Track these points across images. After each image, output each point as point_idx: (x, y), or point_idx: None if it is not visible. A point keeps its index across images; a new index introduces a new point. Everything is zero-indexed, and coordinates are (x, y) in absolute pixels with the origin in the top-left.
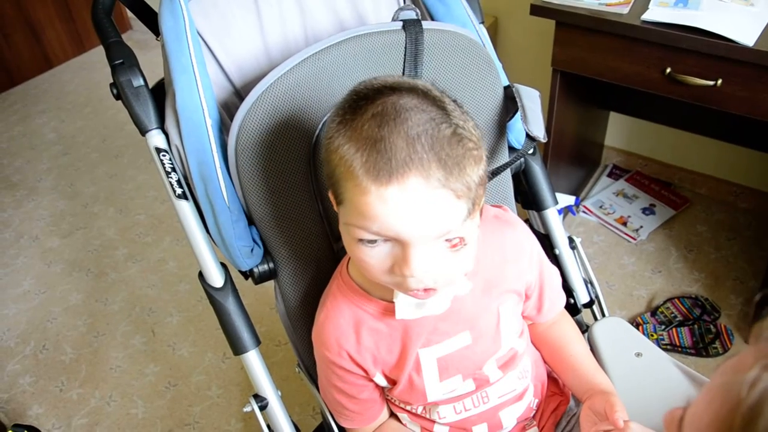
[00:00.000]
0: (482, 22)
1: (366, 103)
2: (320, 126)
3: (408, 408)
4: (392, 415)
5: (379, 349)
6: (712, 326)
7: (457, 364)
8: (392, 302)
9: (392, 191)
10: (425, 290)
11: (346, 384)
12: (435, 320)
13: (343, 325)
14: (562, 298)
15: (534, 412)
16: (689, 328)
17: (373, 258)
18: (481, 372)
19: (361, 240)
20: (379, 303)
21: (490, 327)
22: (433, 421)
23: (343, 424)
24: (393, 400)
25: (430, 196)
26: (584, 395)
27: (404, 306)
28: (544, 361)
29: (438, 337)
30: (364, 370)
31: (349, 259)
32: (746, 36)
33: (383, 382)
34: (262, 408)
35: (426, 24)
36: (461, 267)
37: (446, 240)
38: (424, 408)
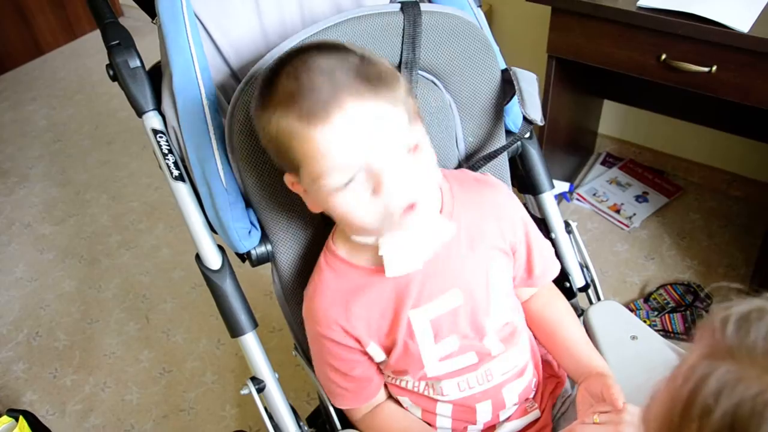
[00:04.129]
0: (480, 6)
1: (274, 76)
2: None
3: (409, 386)
4: (392, 399)
5: (371, 315)
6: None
7: (451, 325)
8: (380, 266)
9: (337, 122)
10: (411, 207)
11: (338, 360)
12: (423, 278)
13: (331, 296)
14: (555, 265)
15: (534, 392)
16: (681, 314)
17: (354, 200)
18: (482, 345)
19: (337, 189)
20: (367, 269)
21: (480, 284)
22: (436, 401)
23: (338, 405)
24: (392, 380)
25: (370, 111)
26: (580, 377)
27: (392, 259)
28: (539, 343)
29: (428, 297)
30: (357, 341)
31: (334, 232)
32: (741, 22)
33: (378, 353)
34: (260, 390)
35: (424, 6)
36: (428, 172)
37: (407, 150)
38: (427, 384)
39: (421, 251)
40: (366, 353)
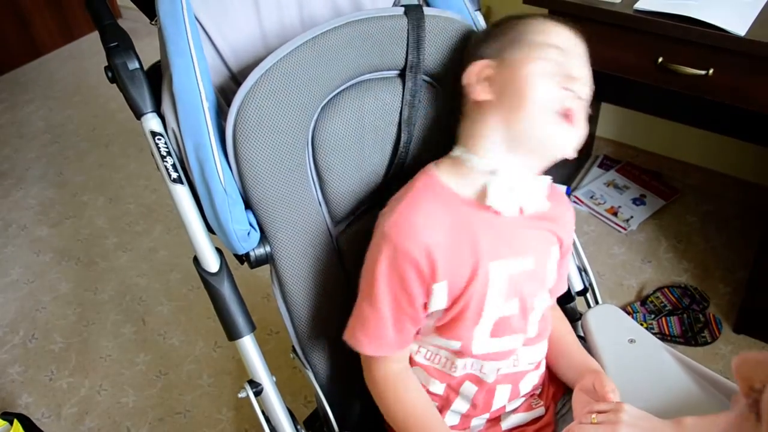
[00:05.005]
0: (478, 9)
1: None
2: (318, 110)
3: (440, 363)
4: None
5: (456, 251)
6: (701, 315)
7: (521, 287)
8: (481, 201)
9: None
10: (576, 111)
11: (400, 290)
12: (509, 235)
13: (427, 215)
14: (565, 286)
15: (540, 389)
16: (678, 317)
17: (547, 77)
18: (526, 324)
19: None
20: (466, 200)
21: (544, 262)
22: (462, 380)
23: (364, 351)
24: (428, 354)
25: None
26: (573, 381)
27: (496, 190)
28: None
29: (509, 253)
30: (433, 270)
31: (440, 163)
32: (738, 25)
33: (442, 296)
34: (257, 394)
35: (427, 10)
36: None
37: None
38: (472, 364)
39: (523, 197)
40: (429, 295)
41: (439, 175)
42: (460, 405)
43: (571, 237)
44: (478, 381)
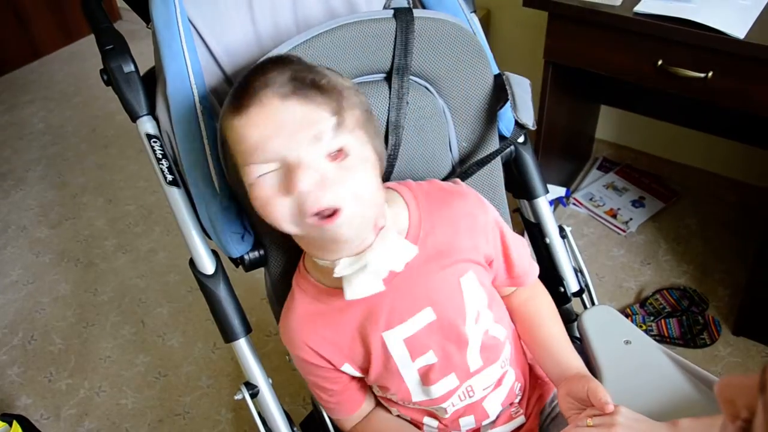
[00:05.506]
0: (474, 11)
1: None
2: None
3: (400, 402)
4: (381, 406)
5: (341, 338)
6: (700, 317)
7: (426, 341)
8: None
9: (254, 113)
10: (333, 214)
11: (318, 377)
12: (392, 300)
13: (301, 317)
14: (534, 267)
15: (519, 397)
16: (677, 319)
17: (269, 194)
18: (463, 360)
19: (255, 180)
20: (334, 290)
21: (453, 299)
22: (423, 414)
23: (329, 415)
24: (379, 393)
25: (290, 109)
26: (558, 379)
27: (350, 281)
28: (522, 339)
29: (399, 318)
30: (329, 362)
31: (305, 253)
32: (737, 28)
33: (354, 372)
34: (253, 396)
35: (417, 12)
36: (355, 182)
37: (327, 155)
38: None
39: (379, 272)
40: (341, 371)
41: (307, 270)
42: (430, 430)
43: (494, 231)
44: (436, 416)
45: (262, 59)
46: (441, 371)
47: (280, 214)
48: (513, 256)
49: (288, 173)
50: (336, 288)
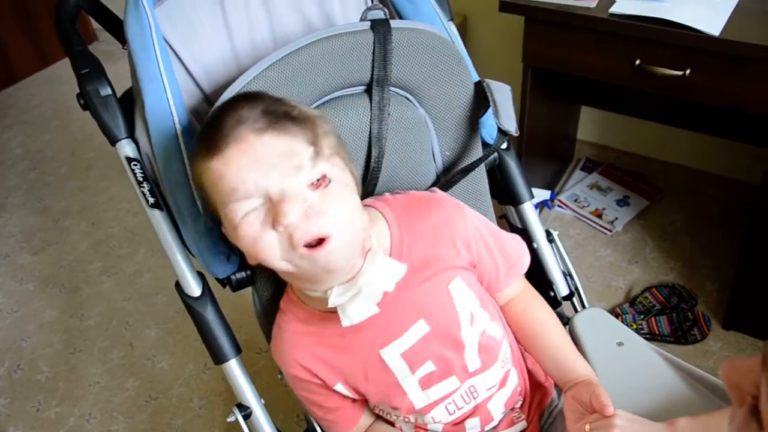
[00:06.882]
0: (451, 20)
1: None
2: None
3: (398, 423)
4: (381, 419)
5: (335, 359)
6: (689, 313)
7: (423, 352)
8: (336, 311)
9: (232, 152)
10: (320, 242)
11: (312, 393)
12: (384, 318)
13: (293, 338)
14: (523, 256)
15: (521, 402)
16: (668, 316)
17: (256, 232)
18: (462, 362)
19: (239, 221)
20: (326, 314)
21: (444, 306)
22: (426, 427)
23: (327, 431)
24: (383, 412)
25: (267, 143)
26: (566, 384)
27: (346, 309)
28: (523, 349)
29: (393, 334)
30: (322, 380)
31: None
32: (712, 26)
33: (347, 393)
34: (246, 417)
35: (394, 23)
36: (340, 208)
37: (309, 184)
38: (416, 421)
39: (373, 296)
40: (334, 391)
41: (296, 293)
42: None
43: (476, 235)
44: (441, 422)
45: (228, 97)
46: (441, 375)
47: (270, 251)
48: (497, 256)
49: (273, 207)
50: (328, 312)
